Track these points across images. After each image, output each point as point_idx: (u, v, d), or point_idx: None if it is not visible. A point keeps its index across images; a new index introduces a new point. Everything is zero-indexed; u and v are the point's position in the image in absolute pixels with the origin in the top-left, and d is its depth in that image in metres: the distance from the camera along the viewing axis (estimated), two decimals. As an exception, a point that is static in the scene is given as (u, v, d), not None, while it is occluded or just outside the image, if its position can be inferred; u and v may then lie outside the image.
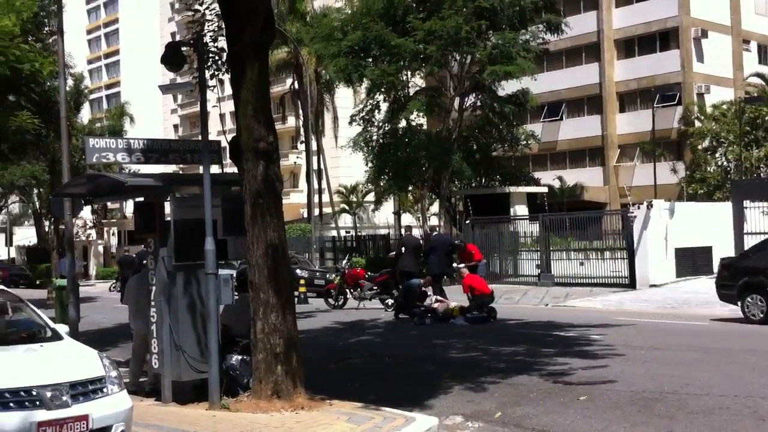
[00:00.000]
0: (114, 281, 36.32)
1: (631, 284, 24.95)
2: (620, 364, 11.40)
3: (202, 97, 9.60)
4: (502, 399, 9.43)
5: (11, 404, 6.07)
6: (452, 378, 10.80)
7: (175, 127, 77.93)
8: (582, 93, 50.22)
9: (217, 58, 10.88)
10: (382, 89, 34.89)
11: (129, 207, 58.31)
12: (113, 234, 58.61)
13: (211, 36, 10.96)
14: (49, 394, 6.22)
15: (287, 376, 9.28)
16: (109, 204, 54.20)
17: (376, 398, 9.43)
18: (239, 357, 9.93)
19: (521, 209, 33.05)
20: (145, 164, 10.52)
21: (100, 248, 55.81)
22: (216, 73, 10.96)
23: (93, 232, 54.37)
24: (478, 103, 36.07)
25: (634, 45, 48.99)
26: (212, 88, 10.69)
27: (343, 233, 49.37)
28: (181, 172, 32.53)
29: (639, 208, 25.76)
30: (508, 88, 34.86)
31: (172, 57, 9.39)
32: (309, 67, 43.36)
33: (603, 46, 49.26)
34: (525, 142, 38.51)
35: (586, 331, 15.25)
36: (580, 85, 49.72)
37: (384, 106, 36.85)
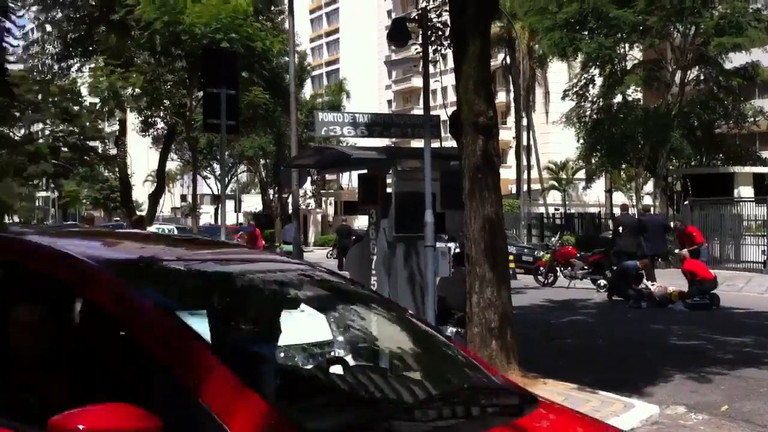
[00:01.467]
0: (331, 248, 38.01)
1: None
2: None
3: (425, 71, 9.74)
4: (729, 392, 8.88)
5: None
6: (673, 366, 10.31)
7: (389, 102, 79.90)
8: (822, 65, 45.67)
9: (440, 33, 10.97)
10: (598, 63, 33.76)
11: (345, 179, 60.80)
12: (330, 204, 61.34)
13: (434, 11, 11.06)
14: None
15: (501, 351, 9.27)
16: (327, 175, 56.75)
17: (591, 381, 9.20)
18: (454, 329, 10.06)
19: (746, 191, 30.81)
20: (368, 137, 10.86)
21: (318, 217, 58.63)
22: (438, 48, 11.06)
23: (312, 202, 57.22)
24: (702, 77, 34.01)
25: None
26: (435, 62, 10.82)
27: (551, 210, 48.56)
28: (392, 145, 33.31)
29: None
30: (735, 60, 32.52)
31: (397, 33, 9.59)
32: (521, 41, 42.77)
33: None
34: (753, 119, 35.88)
35: (824, 325, 14.00)
36: (820, 57, 45.23)
37: (599, 81, 35.67)
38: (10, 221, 61.63)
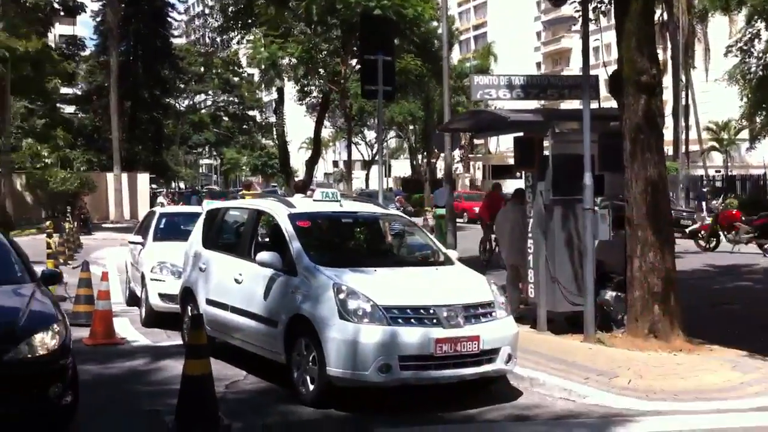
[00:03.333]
0: (479, 214, 37.87)
1: None
2: None
3: (584, 29, 9.54)
4: None
5: (413, 320, 6.65)
6: None
7: (538, 65, 78.20)
8: None
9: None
10: (764, 16, 31.61)
11: (492, 143, 60.34)
12: (478, 168, 61.10)
13: (594, -32, 10.76)
14: (445, 314, 6.70)
15: (664, 316, 9.10)
16: (475, 140, 56.62)
17: (762, 347, 8.83)
18: (613, 293, 9.91)
19: None
20: (524, 100, 10.77)
21: (467, 181, 58.60)
22: (598, 5, 10.78)
23: (460, 166, 57.24)
24: None
25: None
26: (595, 20, 10.55)
27: (711, 172, 46.27)
28: (541, 107, 32.75)
29: None
30: None
31: (557, -9, 9.44)
32: (681, -5, 40.60)
33: None
34: None
35: None
36: None
37: (765, 35, 33.43)
38: (176, 187, 65.24)
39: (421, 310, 6.71)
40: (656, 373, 7.61)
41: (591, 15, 10.68)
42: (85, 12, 47.11)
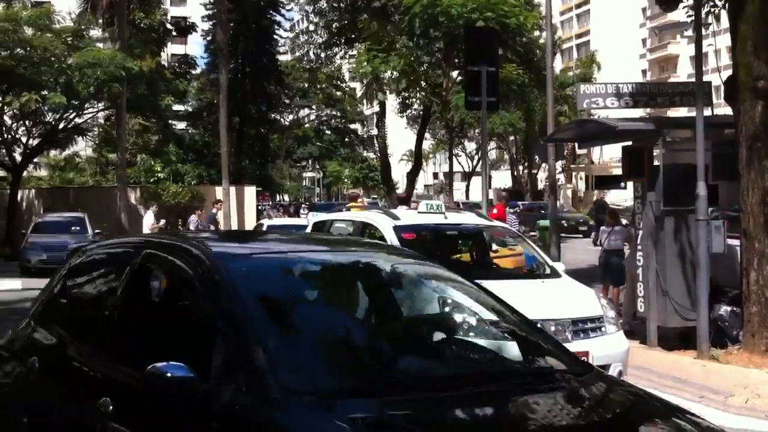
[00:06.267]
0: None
1: None
2: None
3: (698, 34, 9.26)
4: None
5: (518, 334, 6.54)
6: None
7: (643, 72, 76.27)
8: None
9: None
10: None
11: (596, 153, 59.00)
12: (581, 179, 59.87)
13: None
14: (552, 328, 6.54)
15: (783, 333, 8.70)
16: (576, 150, 55.56)
17: None
18: (728, 308, 9.54)
19: None
20: (633, 108, 10.53)
21: (568, 192, 57.55)
22: (712, 9, 10.42)
23: (562, 177, 56.23)
24: None
25: None
26: (708, 25, 10.22)
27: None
28: (646, 115, 31.91)
29: None
30: None
31: (667, -4, 9.21)
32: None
33: None
34: None
35: None
36: None
37: None
38: (281, 200, 66.73)
39: (528, 324, 6.59)
40: (776, 392, 7.27)
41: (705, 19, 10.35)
42: (196, 32, 48.94)
